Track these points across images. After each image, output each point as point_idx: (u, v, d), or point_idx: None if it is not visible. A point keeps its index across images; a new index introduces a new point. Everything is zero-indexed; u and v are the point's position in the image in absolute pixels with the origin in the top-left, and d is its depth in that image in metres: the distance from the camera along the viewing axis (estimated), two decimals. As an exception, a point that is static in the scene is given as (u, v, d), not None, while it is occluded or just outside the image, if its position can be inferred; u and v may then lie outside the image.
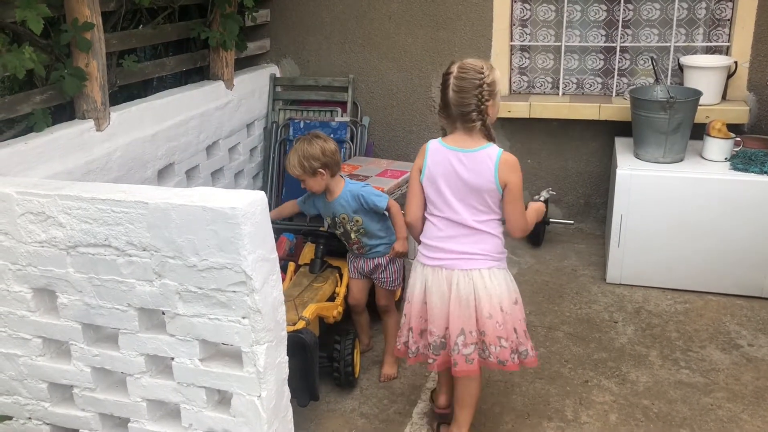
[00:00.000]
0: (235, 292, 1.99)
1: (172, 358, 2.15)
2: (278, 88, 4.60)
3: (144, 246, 2.03)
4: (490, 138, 2.34)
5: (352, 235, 2.94)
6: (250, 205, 1.93)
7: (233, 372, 2.09)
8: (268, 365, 2.07)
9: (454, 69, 2.29)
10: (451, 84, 2.27)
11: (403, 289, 3.55)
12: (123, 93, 3.60)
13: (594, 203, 4.44)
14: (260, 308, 1.99)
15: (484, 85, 2.25)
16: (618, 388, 2.90)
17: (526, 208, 2.44)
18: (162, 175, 3.54)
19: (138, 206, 1.99)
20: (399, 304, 3.43)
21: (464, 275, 2.36)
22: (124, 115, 3.24)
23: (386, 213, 2.94)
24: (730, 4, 3.96)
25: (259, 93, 4.44)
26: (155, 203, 1.97)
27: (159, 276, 2.05)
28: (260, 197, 1.97)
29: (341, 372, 2.84)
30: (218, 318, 2.04)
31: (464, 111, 2.27)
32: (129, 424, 2.28)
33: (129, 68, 3.33)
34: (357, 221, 2.92)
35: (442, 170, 2.36)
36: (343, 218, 2.94)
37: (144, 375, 2.20)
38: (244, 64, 4.50)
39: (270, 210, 3.62)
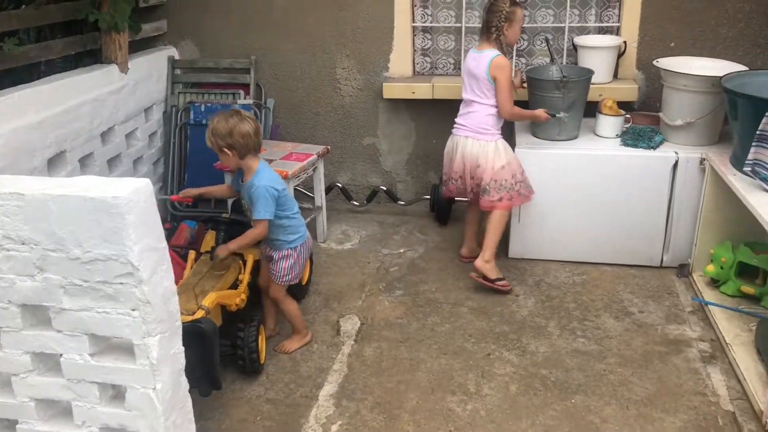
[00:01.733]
0: (122, 284, 1.93)
1: (61, 355, 2.07)
2: (177, 71, 4.46)
3: (22, 239, 1.93)
4: (500, 49, 3.37)
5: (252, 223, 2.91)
6: (134, 194, 1.87)
7: (126, 365, 2.04)
8: (162, 357, 2.03)
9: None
10: (486, 7, 3.40)
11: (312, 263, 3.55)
12: (8, 78, 3.40)
13: (497, 181, 4.54)
14: (150, 299, 1.94)
15: (504, 11, 3.32)
16: (518, 360, 3.00)
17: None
18: (53, 163, 3.38)
19: (13, 198, 1.89)
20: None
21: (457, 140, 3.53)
22: (6, 101, 3.06)
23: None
24: (619, -15, 4.11)
25: (156, 76, 4.29)
26: (32, 194, 1.88)
27: (41, 270, 1.96)
28: (144, 184, 1.92)
29: (246, 359, 2.82)
30: (107, 311, 1.98)
31: (488, 26, 3.38)
32: (17, 426, 2.19)
33: (10, 51, 3.15)
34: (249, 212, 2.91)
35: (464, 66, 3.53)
36: (244, 205, 2.93)
37: (31, 374, 2.12)
38: (140, 46, 4.33)
39: (173, 193, 3.51)
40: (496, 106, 3.41)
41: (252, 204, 2.83)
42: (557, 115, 3.60)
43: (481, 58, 3.37)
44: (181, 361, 2.15)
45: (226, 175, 3.67)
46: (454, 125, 3.57)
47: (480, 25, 3.55)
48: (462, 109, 3.55)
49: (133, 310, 1.96)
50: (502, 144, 3.47)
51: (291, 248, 2.96)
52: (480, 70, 3.37)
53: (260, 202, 2.79)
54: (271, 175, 2.89)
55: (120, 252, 1.88)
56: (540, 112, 3.56)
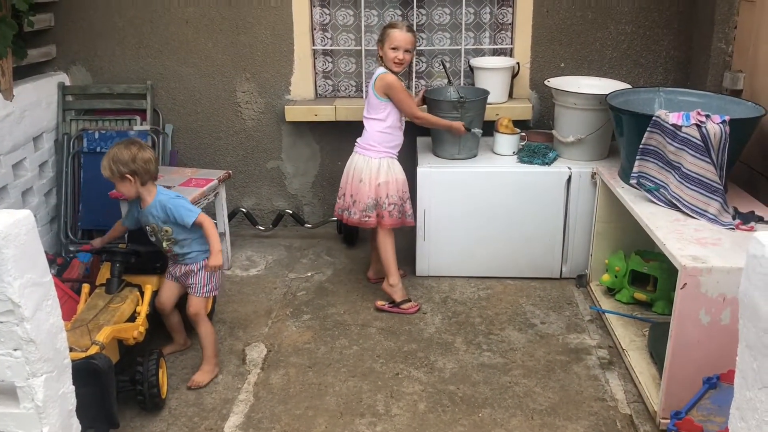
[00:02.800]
0: (2, 322, 1.81)
1: (-65, 403, 1.92)
2: (69, 98, 4.28)
3: None
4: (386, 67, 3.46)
5: (164, 244, 2.93)
6: (13, 226, 1.77)
7: (8, 410, 1.92)
8: (49, 398, 1.91)
9: None
10: None
11: (215, 300, 3.47)
12: None
13: (403, 201, 4.59)
14: (33, 338, 1.83)
15: (380, 33, 3.46)
16: (426, 377, 3.02)
17: None
18: (-71, 197, 3.16)
19: None
20: (212, 316, 3.35)
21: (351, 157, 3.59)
22: None
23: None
24: (510, 9, 4.28)
25: (46, 103, 4.10)
26: None
27: None
28: (25, 216, 1.82)
29: (146, 394, 2.70)
30: (-15, 353, 1.85)
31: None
32: None
33: None
34: (167, 231, 2.90)
35: None
36: (154, 228, 2.91)
37: None
38: (27, 72, 4.13)
39: (68, 227, 3.41)
40: (383, 122, 3.46)
41: (175, 217, 2.86)
42: (473, 131, 3.68)
43: (371, 78, 3.50)
44: (72, 402, 2.04)
45: (122, 203, 3.54)
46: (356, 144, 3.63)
47: None
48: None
49: (15, 350, 1.84)
50: (387, 162, 3.51)
51: (207, 258, 2.94)
52: (369, 89, 3.48)
53: (180, 208, 2.87)
54: (169, 191, 2.97)
55: (-2, 289, 1.77)
56: (458, 124, 3.62)
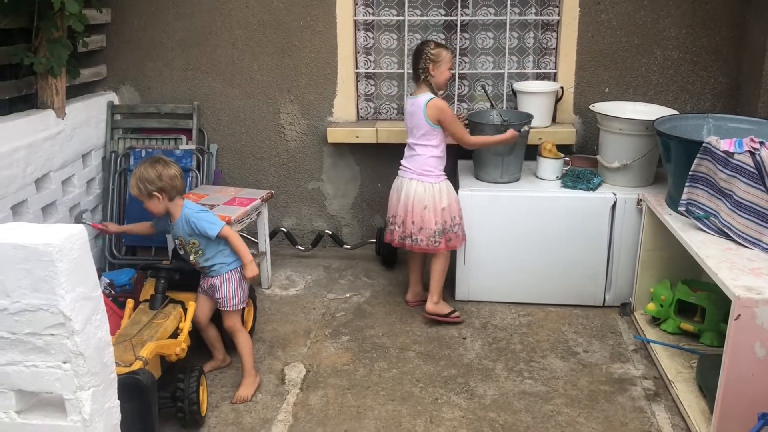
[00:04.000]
0: (53, 335, 1.84)
1: (-15, 414, 1.95)
2: (117, 116, 4.38)
3: (-55, 290, 1.83)
4: (432, 92, 3.43)
5: (192, 257, 2.99)
6: (67, 240, 1.80)
7: (56, 422, 1.94)
8: (95, 412, 1.93)
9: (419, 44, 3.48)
10: (413, 53, 3.48)
11: (255, 309, 3.50)
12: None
13: (443, 224, 4.57)
14: (82, 351, 1.86)
15: (429, 53, 3.38)
16: (467, 403, 2.97)
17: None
18: (-17, 211, 3.24)
19: (-64, 246, 1.79)
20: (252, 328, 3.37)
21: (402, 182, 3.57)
22: (-66, 147, 2.94)
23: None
24: (554, 34, 4.26)
25: (95, 121, 4.20)
26: (-44, 242, 1.78)
27: (-36, 323, 1.86)
28: (78, 231, 1.85)
29: (186, 411, 2.70)
30: (36, 365, 1.88)
31: (415, 69, 3.47)
32: (-65, 492, 2.04)
33: (-61, 96, 3.04)
34: (194, 243, 2.97)
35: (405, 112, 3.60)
36: (182, 240, 2.98)
37: (-49, 435, 1.98)
38: (79, 91, 4.24)
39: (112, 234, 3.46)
40: (437, 147, 3.48)
41: (199, 230, 2.92)
42: (522, 130, 3.61)
43: (417, 103, 3.43)
44: (117, 416, 2.05)
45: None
46: (400, 167, 3.61)
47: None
48: (406, 152, 3.59)
49: (65, 362, 1.87)
50: (446, 185, 3.52)
51: (230, 270, 3.01)
52: (418, 116, 3.42)
53: (203, 221, 2.92)
54: (195, 205, 3.04)
55: (51, 301, 1.80)
56: (509, 133, 3.54)
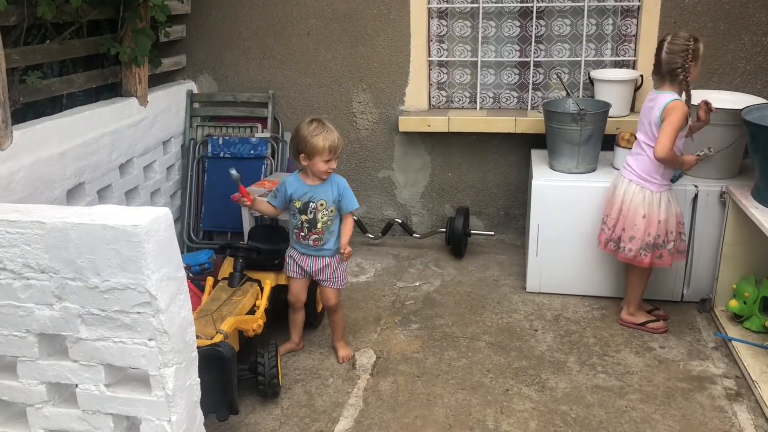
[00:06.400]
0: (139, 313, 1.92)
1: (76, 385, 2.05)
2: (195, 105, 4.51)
3: (42, 268, 1.93)
4: (686, 92, 3.12)
5: (319, 225, 3.04)
6: (153, 222, 1.87)
7: (141, 397, 2.01)
8: (178, 388, 2.00)
9: (668, 38, 3.11)
10: (664, 47, 3.11)
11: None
12: (31, 110, 3.45)
13: (513, 214, 4.52)
14: (167, 329, 1.93)
15: (690, 49, 3.05)
16: (538, 395, 2.94)
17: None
18: (72, 195, 3.40)
19: (34, 226, 1.89)
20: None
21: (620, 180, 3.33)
22: (28, 133, 3.09)
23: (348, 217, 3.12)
24: (634, 21, 4.13)
25: (175, 109, 4.34)
26: (53, 223, 1.88)
27: (59, 299, 1.96)
28: (164, 213, 1.91)
29: (266, 383, 2.82)
30: (123, 341, 1.96)
31: (670, 66, 3.09)
32: (30, 458, 2.16)
33: (33, 85, 3.20)
34: (331, 211, 3.05)
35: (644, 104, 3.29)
36: (321, 204, 3.02)
37: (46, 405, 2.10)
38: (160, 80, 4.39)
39: (190, 225, 3.59)
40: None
41: (345, 198, 3.06)
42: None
43: (658, 100, 3.14)
44: (197, 393, 2.12)
45: (243, 208, 3.68)
46: (624, 164, 3.36)
47: (653, 64, 3.24)
48: (634, 149, 3.34)
49: (150, 340, 1.94)
50: (667, 196, 3.25)
51: (337, 254, 3.12)
52: (654, 113, 3.14)
53: (350, 193, 3.09)
54: None
55: (138, 281, 1.87)
56: (689, 158, 3.25)
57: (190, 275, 3.67)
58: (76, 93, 3.74)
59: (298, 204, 3.03)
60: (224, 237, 4.31)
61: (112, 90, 3.94)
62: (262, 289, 3.12)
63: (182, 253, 4.20)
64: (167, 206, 4.18)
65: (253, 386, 2.89)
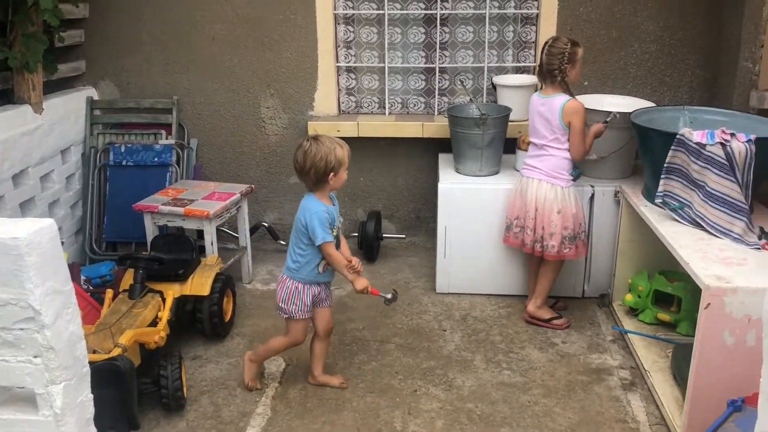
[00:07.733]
0: (23, 329, 1.83)
1: (-44, 408, 1.95)
2: (97, 112, 4.36)
3: None
4: (567, 92, 3.28)
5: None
6: (36, 234, 1.79)
7: (27, 417, 1.93)
8: (67, 406, 1.92)
9: (550, 41, 3.29)
10: (545, 50, 3.28)
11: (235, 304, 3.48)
12: None
13: (424, 217, 4.59)
14: (53, 345, 1.85)
15: (566, 53, 3.22)
16: (445, 395, 2.99)
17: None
18: (-41, 207, 3.23)
19: None
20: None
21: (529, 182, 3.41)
22: None
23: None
24: (534, 28, 4.28)
25: (74, 117, 4.18)
26: (-76, 237, 1.77)
27: (-67, 318, 1.85)
28: (47, 225, 1.84)
29: (170, 396, 2.75)
30: (6, 359, 1.87)
31: (549, 68, 3.26)
32: None
33: None
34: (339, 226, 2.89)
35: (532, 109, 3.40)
36: (340, 223, 2.91)
37: None
38: (59, 86, 4.22)
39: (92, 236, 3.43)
40: (568, 150, 3.34)
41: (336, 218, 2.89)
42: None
43: (552, 104, 3.28)
44: (90, 410, 2.05)
45: (145, 216, 3.59)
46: (524, 167, 3.48)
47: (538, 67, 3.43)
48: (532, 151, 3.44)
49: (35, 357, 1.86)
50: (574, 190, 3.41)
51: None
52: (553, 117, 3.27)
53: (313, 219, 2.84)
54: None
55: (20, 296, 1.79)
56: (598, 127, 3.39)
57: (91, 288, 3.55)
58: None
59: (335, 230, 2.84)
60: (129, 248, 4.18)
61: (3, 97, 3.76)
62: (164, 300, 3.05)
63: (84, 265, 4.05)
64: (67, 217, 4.06)
65: (157, 400, 2.81)
